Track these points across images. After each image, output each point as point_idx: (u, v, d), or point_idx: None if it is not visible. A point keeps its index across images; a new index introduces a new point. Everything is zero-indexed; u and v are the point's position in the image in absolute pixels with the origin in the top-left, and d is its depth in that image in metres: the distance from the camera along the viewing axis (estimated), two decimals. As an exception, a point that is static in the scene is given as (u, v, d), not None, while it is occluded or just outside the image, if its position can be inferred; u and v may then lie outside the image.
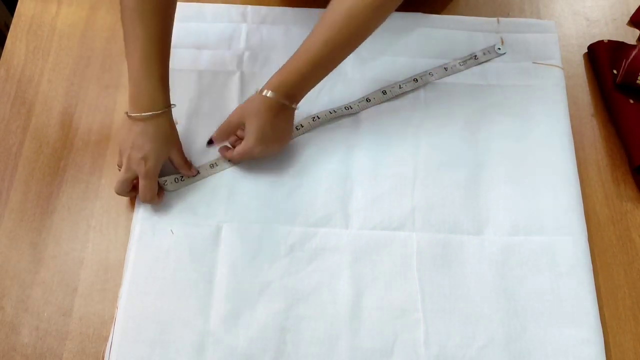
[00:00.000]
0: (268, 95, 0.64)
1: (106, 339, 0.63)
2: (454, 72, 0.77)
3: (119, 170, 0.67)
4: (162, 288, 0.64)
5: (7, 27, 0.82)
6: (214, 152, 0.72)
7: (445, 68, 0.77)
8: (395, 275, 0.66)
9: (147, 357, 0.61)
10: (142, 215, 0.68)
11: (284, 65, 0.65)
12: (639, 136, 0.73)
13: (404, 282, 0.65)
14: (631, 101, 0.76)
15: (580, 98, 0.79)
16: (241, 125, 0.68)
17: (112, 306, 0.65)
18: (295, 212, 0.69)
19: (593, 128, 0.77)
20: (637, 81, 0.75)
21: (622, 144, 0.75)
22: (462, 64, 0.78)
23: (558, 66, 0.79)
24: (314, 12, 0.82)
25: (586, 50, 0.82)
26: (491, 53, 0.79)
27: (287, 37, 0.80)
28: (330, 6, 0.63)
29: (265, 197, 0.70)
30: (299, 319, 0.63)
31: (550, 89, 0.77)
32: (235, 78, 0.77)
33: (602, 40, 0.80)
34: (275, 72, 0.65)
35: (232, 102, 0.75)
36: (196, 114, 0.75)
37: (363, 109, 0.74)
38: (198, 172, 0.70)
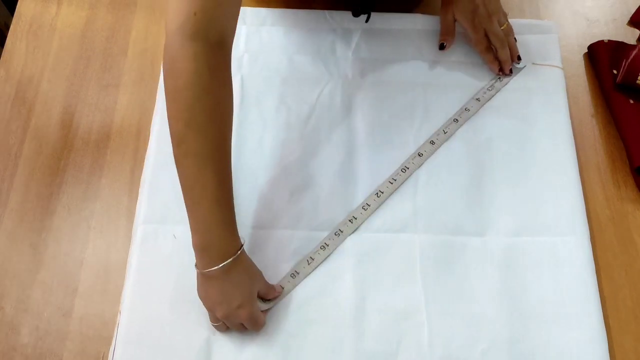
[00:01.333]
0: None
1: (106, 339, 0.63)
2: (486, 100, 0.76)
3: (216, 327, 0.62)
4: (165, 293, 0.64)
5: (7, 27, 0.82)
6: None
7: (477, 99, 0.76)
8: (398, 278, 0.65)
9: None
10: (143, 219, 0.68)
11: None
12: (639, 136, 0.73)
13: (407, 284, 0.65)
14: (631, 101, 0.76)
15: (580, 98, 0.79)
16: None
17: (113, 306, 0.64)
18: (298, 216, 0.69)
19: (593, 128, 0.77)
20: (637, 81, 0.75)
21: (623, 145, 0.75)
22: (490, 88, 0.77)
23: (558, 67, 0.79)
24: (314, 14, 0.82)
25: (586, 50, 0.82)
26: (514, 71, 0.78)
27: (287, 39, 0.80)
28: None
29: (267, 201, 0.69)
30: (302, 323, 0.63)
31: (551, 90, 0.77)
32: (235, 81, 0.75)
33: (602, 40, 0.80)
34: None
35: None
36: None
37: (419, 165, 0.72)
38: (282, 288, 0.64)
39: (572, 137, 0.74)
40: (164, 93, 0.56)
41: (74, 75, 0.78)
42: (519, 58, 0.78)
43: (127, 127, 0.75)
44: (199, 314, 0.63)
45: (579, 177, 0.71)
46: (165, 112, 0.56)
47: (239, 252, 0.59)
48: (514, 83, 0.78)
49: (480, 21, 0.75)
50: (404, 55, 0.79)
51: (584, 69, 0.81)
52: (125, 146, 0.74)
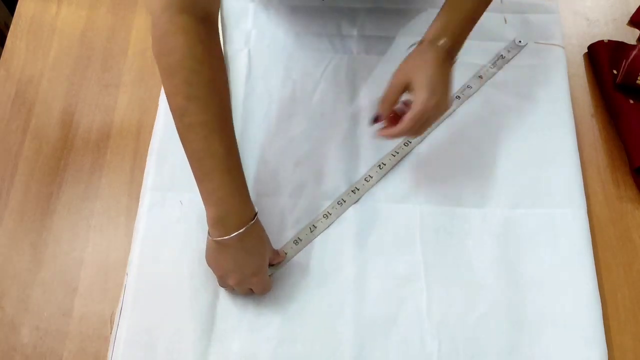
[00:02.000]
0: (440, 44, 0.59)
1: (106, 338, 0.63)
2: (489, 78, 0.77)
3: (225, 288, 0.63)
4: (171, 257, 0.66)
5: (7, 27, 0.82)
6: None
7: (480, 76, 0.77)
8: (398, 246, 0.67)
9: (157, 325, 0.62)
10: (151, 186, 0.69)
11: (439, 16, 0.61)
12: (639, 136, 0.73)
13: (408, 252, 0.67)
14: (631, 101, 0.76)
15: (580, 98, 0.79)
16: (407, 86, 0.59)
17: (113, 306, 0.64)
18: (301, 185, 0.70)
19: (593, 128, 0.77)
20: (637, 81, 0.75)
21: (622, 145, 0.75)
22: (492, 66, 0.78)
23: (559, 45, 0.80)
24: None
25: (586, 50, 0.82)
26: (515, 49, 0.80)
27: (294, 17, 0.81)
28: None
29: (272, 170, 0.71)
30: (304, 288, 0.65)
31: (552, 67, 0.78)
32: (243, 55, 0.78)
33: (602, 40, 0.80)
34: (433, 24, 0.61)
35: (240, 79, 0.77)
36: None
37: (421, 139, 0.73)
38: (286, 254, 0.66)
39: (572, 114, 0.75)
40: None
41: (74, 75, 0.78)
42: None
43: (127, 127, 0.75)
44: (203, 279, 0.64)
45: (577, 151, 0.73)
46: None
47: (254, 220, 0.59)
48: (516, 61, 0.79)
49: (426, 111, 0.59)
50: (408, 33, 0.80)
51: (584, 69, 0.81)
52: (125, 146, 0.74)
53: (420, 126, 0.60)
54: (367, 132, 0.73)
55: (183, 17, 0.54)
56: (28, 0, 0.83)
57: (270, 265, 0.64)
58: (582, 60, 0.82)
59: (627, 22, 0.84)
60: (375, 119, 0.62)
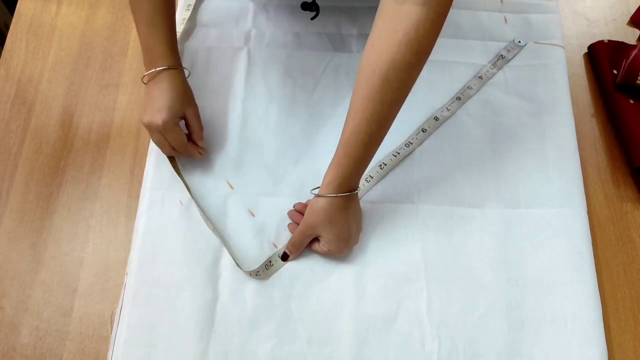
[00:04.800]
0: (331, 196, 0.61)
1: (106, 338, 0.63)
2: (489, 78, 0.78)
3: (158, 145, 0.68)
4: (171, 256, 0.66)
5: (7, 27, 0.82)
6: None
7: (480, 77, 0.78)
8: (398, 245, 0.67)
9: (156, 324, 0.63)
10: (150, 185, 0.70)
11: (335, 157, 0.61)
12: (639, 136, 0.73)
13: (407, 252, 0.67)
14: (631, 101, 0.76)
15: (580, 98, 0.79)
16: (316, 234, 0.64)
17: (112, 306, 0.65)
18: (301, 183, 0.70)
19: (593, 128, 0.77)
20: (637, 81, 0.75)
21: (622, 144, 0.75)
22: (492, 67, 0.79)
23: (559, 45, 0.80)
24: None
25: (586, 50, 0.82)
26: (515, 49, 0.80)
27: (293, 17, 0.81)
28: (360, 74, 0.59)
29: (272, 169, 0.71)
30: (304, 287, 0.65)
31: (552, 67, 0.79)
32: (243, 54, 0.79)
33: (602, 40, 0.80)
34: (329, 168, 0.62)
35: (239, 78, 0.77)
36: (204, 89, 0.75)
37: (422, 141, 0.73)
38: (206, 152, 0.70)
39: (572, 113, 0.75)
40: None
41: (74, 75, 0.78)
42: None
43: (127, 127, 0.75)
44: (204, 278, 0.64)
45: (577, 151, 0.73)
46: None
47: (177, 68, 0.67)
48: (516, 61, 0.79)
49: (334, 254, 0.66)
50: None
51: (584, 69, 0.81)
52: (125, 146, 0.74)
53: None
54: None
55: None
56: (28, 0, 0.83)
57: (190, 138, 0.68)
58: (582, 60, 0.82)
59: (627, 22, 0.84)
60: (284, 257, 0.66)
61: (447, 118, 0.75)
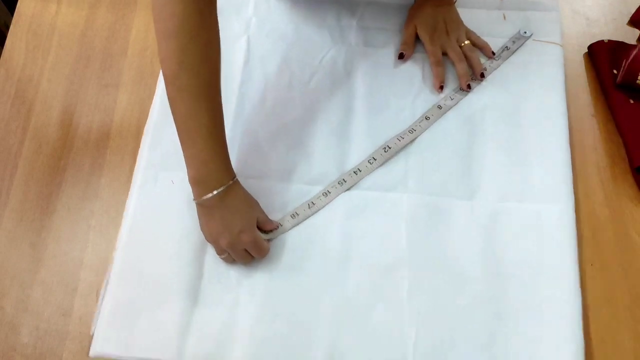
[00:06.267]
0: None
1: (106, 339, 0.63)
2: (494, 69, 0.78)
3: (223, 259, 0.65)
4: (160, 233, 0.67)
5: (7, 27, 0.82)
6: (291, 204, 0.70)
7: (484, 68, 0.78)
8: (384, 234, 0.68)
9: (141, 298, 0.64)
10: (145, 164, 0.71)
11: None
12: (639, 136, 0.73)
13: (393, 240, 0.67)
14: (631, 101, 0.76)
15: (580, 98, 0.79)
16: (416, 30, 0.77)
17: (112, 306, 0.65)
18: (292, 169, 0.71)
19: (593, 128, 0.77)
20: (637, 81, 0.75)
21: (622, 144, 0.75)
22: (498, 58, 0.79)
23: (557, 43, 0.80)
24: None
25: (586, 50, 0.82)
26: (520, 39, 0.80)
27: (294, 8, 0.82)
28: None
29: (265, 152, 0.72)
30: (287, 271, 0.66)
31: (548, 65, 0.79)
32: (242, 41, 0.80)
33: (602, 40, 0.80)
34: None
35: (237, 64, 0.78)
36: None
37: (425, 129, 0.74)
38: (280, 225, 0.67)
39: (566, 112, 0.75)
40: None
41: (73, 75, 0.78)
42: (483, 75, 0.77)
43: (127, 126, 0.75)
44: (190, 256, 0.66)
45: (569, 149, 0.73)
46: None
47: (233, 181, 0.63)
48: (513, 57, 0.79)
49: (439, 36, 0.78)
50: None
51: (584, 69, 0.81)
52: (125, 146, 0.74)
53: (451, 49, 0.77)
54: (361, 121, 0.74)
55: None
56: (28, 0, 0.83)
57: (263, 231, 0.65)
58: (582, 60, 0.82)
59: (627, 22, 0.84)
60: (400, 56, 0.77)
61: (450, 107, 0.75)
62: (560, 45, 0.80)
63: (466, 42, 0.78)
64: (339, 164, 0.72)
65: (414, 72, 0.78)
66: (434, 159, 0.72)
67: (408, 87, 0.77)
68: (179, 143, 0.61)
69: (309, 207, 0.68)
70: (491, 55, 0.78)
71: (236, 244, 0.62)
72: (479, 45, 0.79)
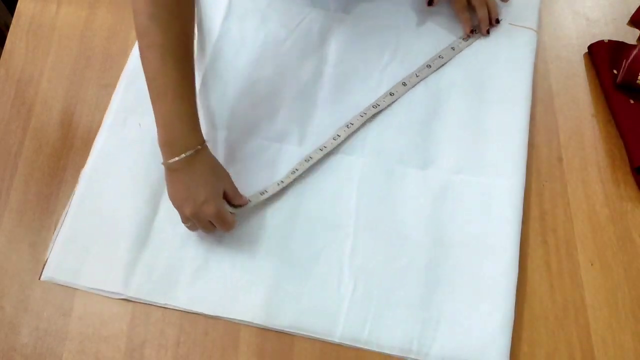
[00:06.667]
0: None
1: (106, 338, 0.63)
2: (460, 51, 0.80)
3: (187, 226, 0.65)
4: (121, 173, 0.70)
5: (7, 27, 0.82)
6: (262, 182, 0.70)
7: (452, 48, 0.80)
8: (335, 193, 0.70)
9: (95, 231, 0.67)
10: (116, 108, 0.74)
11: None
12: (639, 136, 0.73)
13: (343, 200, 0.70)
14: (631, 101, 0.76)
15: (580, 98, 0.79)
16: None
17: (112, 306, 0.65)
18: (255, 125, 0.73)
19: (593, 128, 0.77)
20: (637, 81, 0.75)
21: (623, 144, 0.75)
22: (465, 39, 0.80)
23: (532, 29, 0.81)
24: None
25: (586, 50, 0.82)
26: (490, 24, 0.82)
27: None
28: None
29: (233, 106, 0.74)
30: (237, 216, 0.67)
31: (520, 48, 0.80)
32: None
33: (602, 40, 0.80)
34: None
35: (217, 19, 0.80)
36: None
37: (389, 104, 0.76)
38: (249, 201, 0.67)
39: (530, 95, 0.76)
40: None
41: (73, 75, 0.78)
42: (497, 21, 0.80)
43: (127, 126, 0.75)
44: (146, 196, 0.69)
45: (527, 129, 0.74)
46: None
47: (201, 146, 0.61)
48: (486, 38, 0.81)
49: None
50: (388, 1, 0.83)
51: (584, 69, 0.81)
52: (125, 146, 0.74)
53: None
54: (328, 86, 0.76)
55: None
56: (28, 0, 0.83)
57: (231, 204, 0.65)
58: (582, 60, 0.82)
59: (627, 22, 0.85)
60: (430, 2, 0.78)
61: (415, 84, 0.77)
62: (535, 31, 0.81)
63: None
64: (301, 125, 0.74)
65: (388, 42, 0.80)
66: (394, 128, 0.74)
67: (378, 56, 0.79)
68: None
69: (278, 185, 0.69)
70: (496, 22, 0.81)
71: (200, 214, 0.62)
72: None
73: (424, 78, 0.77)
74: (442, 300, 0.65)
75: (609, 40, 0.80)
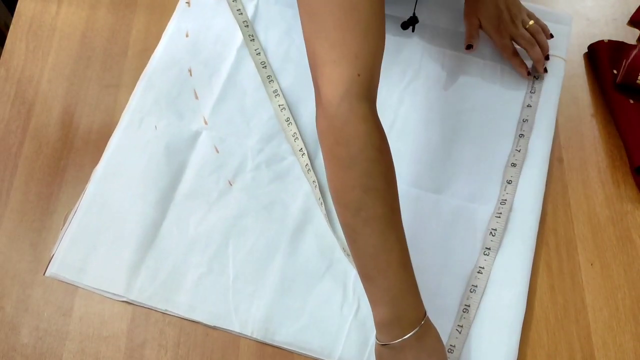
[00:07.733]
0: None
1: (107, 338, 0.63)
2: (536, 104, 0.77)
3: None
4: (133, 173, 0.70)
5: (7, 27, 0.82)
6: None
7: (529, 106, 0.77)
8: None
9: (103, 230, 0.67)
10: (134, 108, 0.74)
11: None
12: (639, 136, 0.73)
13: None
14: (631, 101, 0.76)
15: (580, 98, 0.79)
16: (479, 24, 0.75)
17: (113, 306, 0.65)
18: (270, 134, 0.74)
19: (593, 128, 0.77)
20: (637, 81, 0.75)
21: (623, 144, 0.75)
22: (532, 91, 0.78)
23: (561, 57, 0.80)
24: None
25: (586, 50, 0.82)
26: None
27: None
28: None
29: (248, 114, 0.75)
30: (245, 228, 0.68)
31: (548, 78, 0.78)
32: (251, 5, 0.83)
33: (602, 40, 0.81)
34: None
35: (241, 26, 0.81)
36: (208, 30, 0.80)
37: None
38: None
39: (553, 126, 0.75)
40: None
41: (74, 75, 0.78)
42: (547, 58, 0.77)
43: (127, 127, 0.75)
44: (158, 199, 0.69)
45: (547, 161, 0.73)
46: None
47: (425, 316, 0.55)
48: (511, 66, 0.79)
49: (505, 27, 0.75)
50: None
51: (584, 69, 0.81)
52: (125, 146, 0.74)
53: (514, 30, 0.75)
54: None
55: (363, 105, 0.51)
56: (28, 0, 0.83)
57: None
58: (582, 60, 0.82)
59: (627, 22, 0.85)
60: (469, 47, 0.77)
61: (523, 161, 0.73)
62: (564, 59, 0.80)
63: (530, 22, 0.76)
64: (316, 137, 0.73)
65: (412, 61, 0.79)
66: (409, 150, 0.73)
67: (401, 75, 0.78)
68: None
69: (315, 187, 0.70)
70: (550, 36, 0.78)
71: None
72: (541, 25, 0.78)
73: (527, 150, 0.74)
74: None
75: (609, 40, 0.80)
